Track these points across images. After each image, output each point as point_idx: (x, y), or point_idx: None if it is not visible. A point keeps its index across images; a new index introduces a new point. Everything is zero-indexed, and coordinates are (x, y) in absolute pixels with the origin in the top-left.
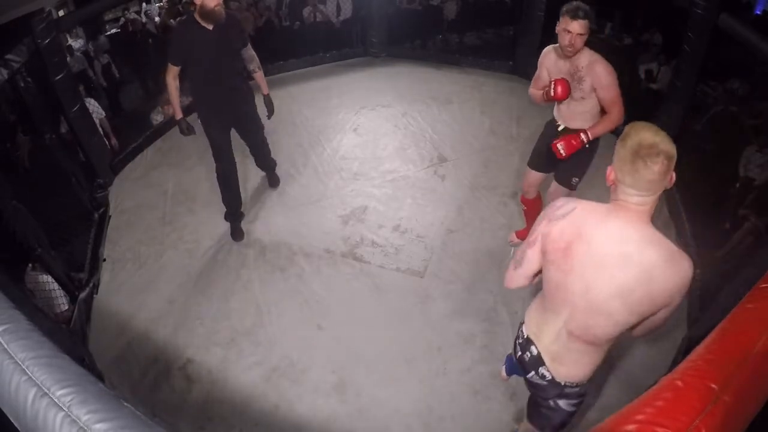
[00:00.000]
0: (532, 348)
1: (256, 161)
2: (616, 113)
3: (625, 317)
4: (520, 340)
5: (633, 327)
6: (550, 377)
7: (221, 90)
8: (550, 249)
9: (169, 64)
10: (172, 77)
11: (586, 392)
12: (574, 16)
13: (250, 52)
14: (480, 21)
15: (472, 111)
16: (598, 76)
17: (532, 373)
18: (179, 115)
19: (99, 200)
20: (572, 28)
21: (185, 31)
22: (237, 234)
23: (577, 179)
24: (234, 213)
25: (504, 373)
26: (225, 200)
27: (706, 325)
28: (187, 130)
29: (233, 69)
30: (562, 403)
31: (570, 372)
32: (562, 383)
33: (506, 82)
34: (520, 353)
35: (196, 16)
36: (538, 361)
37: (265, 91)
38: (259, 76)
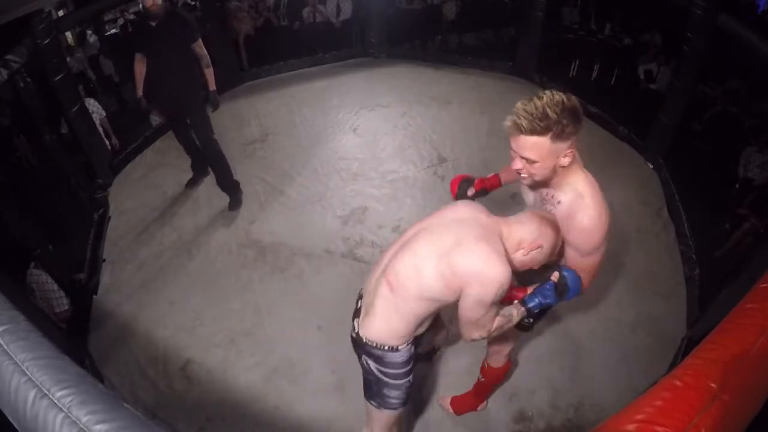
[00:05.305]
0: (359, 301)
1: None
2: None
3: (429, 276)
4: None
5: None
6: (356, 330)
7: (162, 79)
8: None
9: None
10: (137, 61)
11: (396, 361)
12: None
13: (199, 50)
14: (479, 21)
15: (471, 111)
16: None
17: (353, 325)
18: (139, 93)
19: (99, 201)
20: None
21: (137, 25)
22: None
23: None
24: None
25: None
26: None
27: (706, 325)
28: (144, 107)
29: (177, 62)
30: (372, 364)
31: (374, 325)
32: (363, 339)
33: (506, 83)
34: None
35: None
36: (356, 312)
37: (212, 87)
38: (207, 72)
